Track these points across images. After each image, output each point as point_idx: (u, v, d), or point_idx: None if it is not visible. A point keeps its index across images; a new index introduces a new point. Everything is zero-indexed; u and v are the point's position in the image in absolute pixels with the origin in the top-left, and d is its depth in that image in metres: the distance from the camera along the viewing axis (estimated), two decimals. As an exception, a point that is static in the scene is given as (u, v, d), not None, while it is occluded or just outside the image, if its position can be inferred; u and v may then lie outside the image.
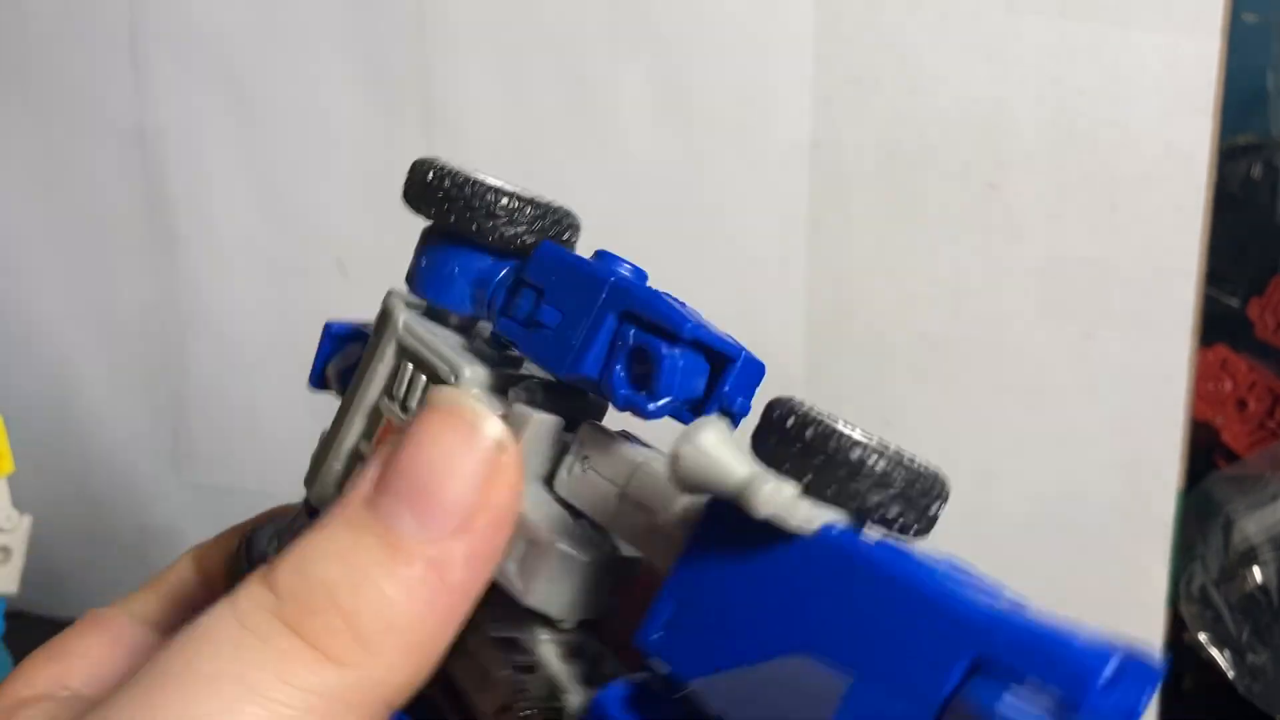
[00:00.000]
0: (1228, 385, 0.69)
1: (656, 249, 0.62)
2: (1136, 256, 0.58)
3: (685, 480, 0.20)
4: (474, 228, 0.25)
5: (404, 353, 0.26)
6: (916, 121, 0.58)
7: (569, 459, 0.25)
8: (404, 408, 0.26)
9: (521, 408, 0.25)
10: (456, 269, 0.26)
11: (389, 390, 0.26)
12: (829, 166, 0.59)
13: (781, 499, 0.19)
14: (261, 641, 0.20)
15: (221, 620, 0.21)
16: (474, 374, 0.25)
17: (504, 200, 0.25)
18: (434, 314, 0.27)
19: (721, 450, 0.20)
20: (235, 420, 0.71)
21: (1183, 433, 0.59)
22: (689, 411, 0.24)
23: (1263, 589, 0.62)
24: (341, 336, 0.30)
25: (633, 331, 0.23)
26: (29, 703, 0.27)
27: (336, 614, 0.21)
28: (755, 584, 0.20)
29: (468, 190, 0.25)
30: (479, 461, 0.22)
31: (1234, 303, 0.70)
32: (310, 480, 0.28)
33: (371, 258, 0.66)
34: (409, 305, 0.27)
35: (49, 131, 0.69)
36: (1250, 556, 0.63)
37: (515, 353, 0.27)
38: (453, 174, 0.25)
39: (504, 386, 0.26)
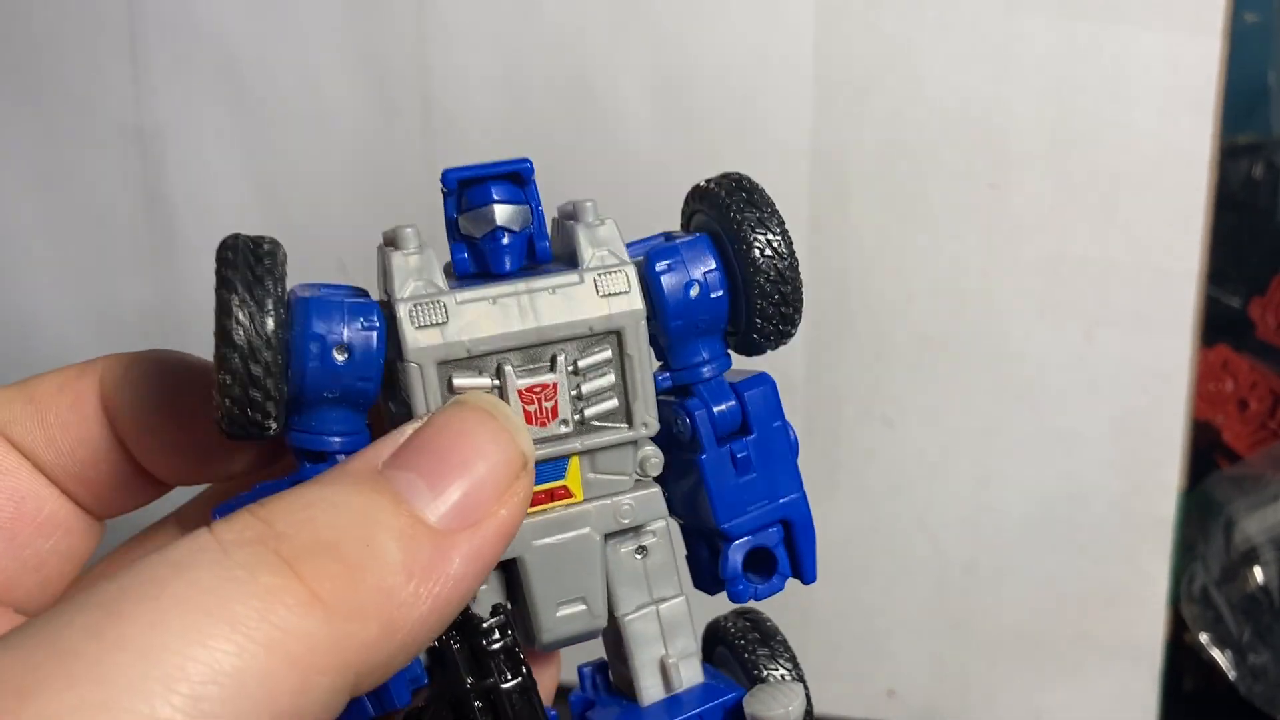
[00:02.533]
0: (1229, 385, 0.69)
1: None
2: (1137, 256, 0.58)
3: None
4: (750, 307, 0.29)
5: (618, 340, 0.26)
6: (917, 122, 0.58)
7: (631, 537, 0.28)
8: (580, 395, 0.26)
9: (653, 466, 0.28)
10: (706, 312, 0.28)
11: (575, 352, 0.26)
12: (830, 166, 0.59)
13: None
14: (247, 573, 0.19)
15: (200, 543, 0.19)
16: (650, 428, 0.28)
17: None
18: None
19: None
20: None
21: (1184, 433, 0.59)
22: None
23: (1264, 589, 0.62)
24: (524, 175, 0.28)
25: (778, 535, 0.29)
26: None
27: (340, 562, 0.19)
28: None
29: None
30: (507, 466, 0.22)
31: (1235, 303, 0.70)
32: (423, 317, 0.26)
33: (372, 257, 0.66)
34: None
35: (49, 131, 0.69)
36: (1251, 557, 0.63)
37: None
38: None
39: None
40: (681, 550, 0.30)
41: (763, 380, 0.29)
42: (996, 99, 0.57)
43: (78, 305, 0.71)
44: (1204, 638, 0.62)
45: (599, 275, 0.27)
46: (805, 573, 0.30)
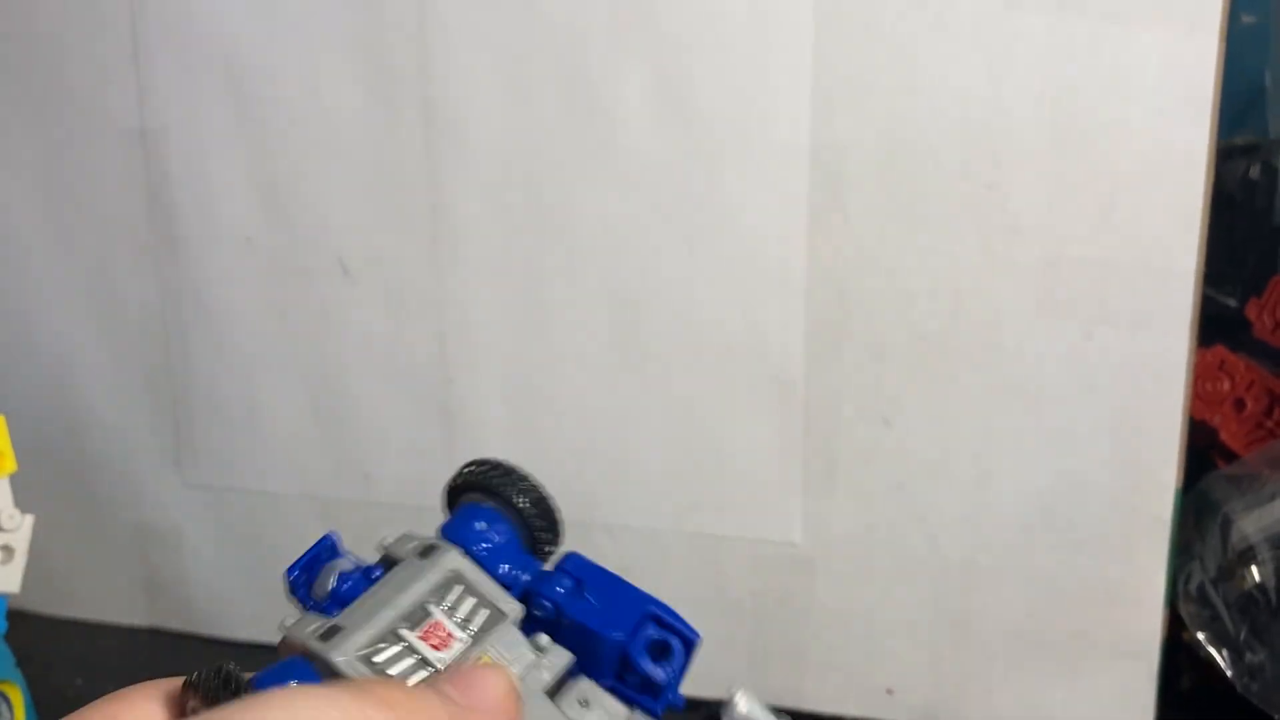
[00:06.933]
0: (1225, 385, 0.70)
1: (656, 249, 0.63)
2: (1135, 256, 0.58)
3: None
4: (531, 534, 0.37)
5: (459, 578, 0.35)
6: (916, 121, 0.58)
7: (569, 695, 0.34)
8: (460, 619, 0.34)
9: (545, 641, 0.35)
10: (502, 541, 0.37)
11: (438, 599, 0.35)
12: (829, 166, 0.60)
13: None
14: (357, 697, 0.26)
15: (297, 690, 0.26)
16: (518, 611, 0.35)
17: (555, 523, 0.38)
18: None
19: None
20: (235, 420, 0.71)
21: (1181, 432, 0.60)
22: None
23: (1260, 588, 0.62)
24: (331, 548, 0.37)
25: (653, 627, 0.36)
26: None
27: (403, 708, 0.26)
28: None
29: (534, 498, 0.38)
30: (505, 687, 0.30)
31: (1232, 303, 0.71)
32: (327, 637, 0.33)
33: (372, 257, 0.66)
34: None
35: (50, 131, 0.69)
36: (1248, 555, 0.63)
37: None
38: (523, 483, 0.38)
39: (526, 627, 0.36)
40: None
41: (568, 555, 0.38)
42: (994, 99, 0.57)
43: (80, 306, 0.71)
44: (1201, 636, 0.63)
45: (423, 555, 0.36)
46: (689, 636, 0.36)
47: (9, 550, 0.52)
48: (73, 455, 0.74)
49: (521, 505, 0.37)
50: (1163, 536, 0.61)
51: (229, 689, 0.30)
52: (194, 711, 0.30)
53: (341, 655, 0.32)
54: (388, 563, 0.37)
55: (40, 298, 0.72)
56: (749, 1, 0.59)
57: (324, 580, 0.35)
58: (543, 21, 0.61)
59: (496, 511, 0.38)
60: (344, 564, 0.36)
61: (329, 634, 0.33)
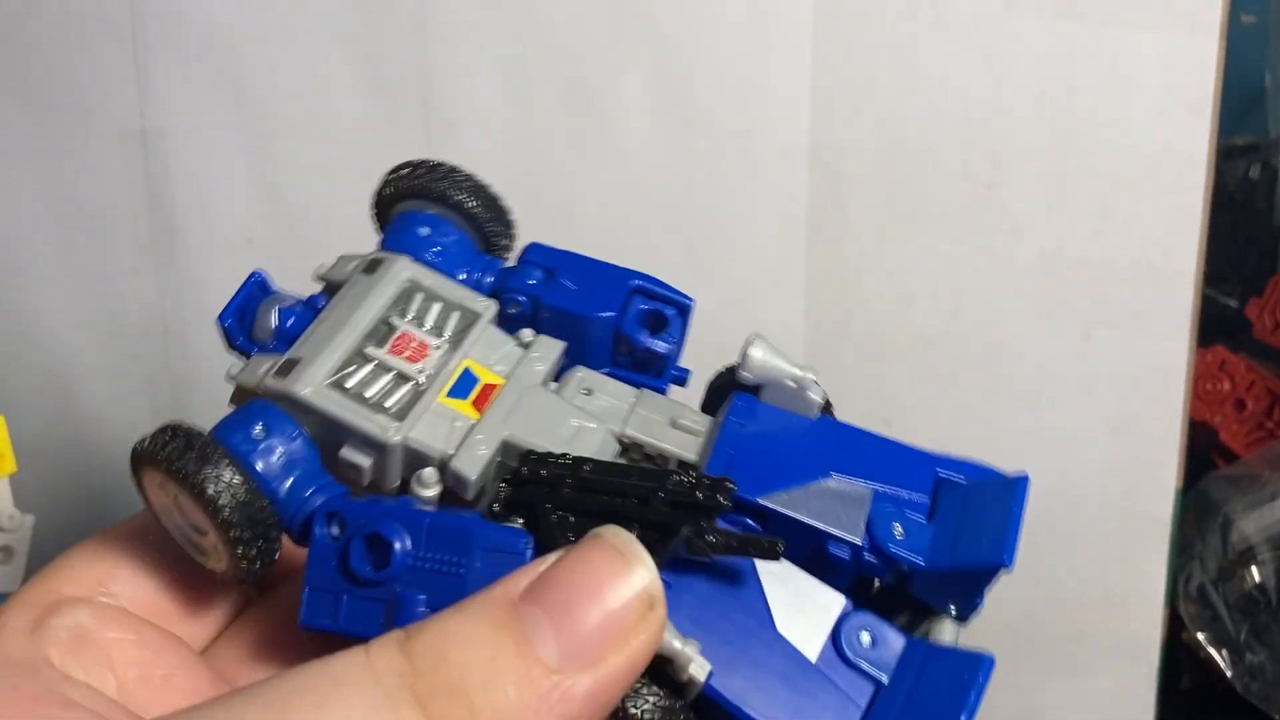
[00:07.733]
0: (1226, 385, 0.70)
1: (657, 249, 0.63)
2: (1135, 257, 0.58)
3: (754, 366, 0.33)
4: (483, 234, 0.34)
5: (417, 286, 0.32)
6: (915, 122, 0.58)
7: (570, 386, 0.32)
8: (430, 327, 0.31)
9: (529, 335, 0.32)
10: (453, 244, 0.33)
11: (399, 311, 0.31)
12: (828, 167, 0.60)
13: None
14: (391, 707, 0.22)
15: (356, 670, 0.22)
16: (493, 307, 0.32)
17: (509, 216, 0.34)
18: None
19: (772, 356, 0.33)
20: (235, 420, 0.71)
21: (1181, 433, 0.60)
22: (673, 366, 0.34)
23: (1260, 588, 0.63)
24: (262, 285, 0.34)
25: (642, 301, 0.34)
26: (70, 603, 0.27)
27: (464, 704, 0.22)
28: (785, 441, 0.31)
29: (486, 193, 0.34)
30: (626, 604, 0.23)
31: (1232, 303, 0.71)
32: (285, 372, 0.30)
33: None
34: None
35: (50, 131, 0.69)
36: (1248, 556, 0.63)
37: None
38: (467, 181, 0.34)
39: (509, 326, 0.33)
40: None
41: (530, 246, 0.35)
42: (994, 99, 0.57)
43: (80, 307, 0.71)
44: (1201, 636, 0.63)
45: (369, 270, 0.32)
46: (682, 302, 0.37)
47: (9, 550, 0.52)
48: (73, 455, 0.74)
49: (466, 204, 0.33)
50: (1163, 537, 0.61)
51: (193, 451, 0.27)
52: (163, 488, 0.28)
53: (307, 386, 0.29)
54: (330, 289, 0.33)
55: (40, 298, 0.72)
56: (749, 1, 0.58)
57: (264, 319, 0.32)
58: (543, 21, 0.61)
59: (438, 216, 0.34)
60: (282, 299, 0.32)
61: (285, 369, 0.30)
